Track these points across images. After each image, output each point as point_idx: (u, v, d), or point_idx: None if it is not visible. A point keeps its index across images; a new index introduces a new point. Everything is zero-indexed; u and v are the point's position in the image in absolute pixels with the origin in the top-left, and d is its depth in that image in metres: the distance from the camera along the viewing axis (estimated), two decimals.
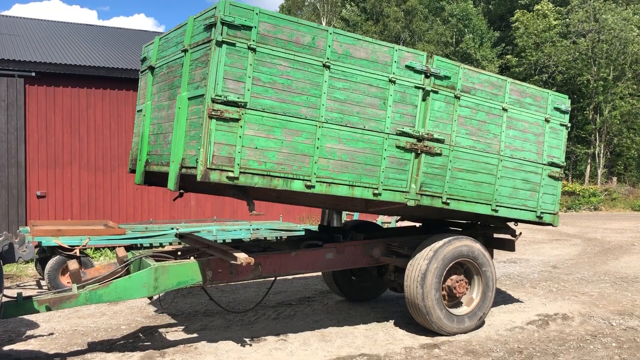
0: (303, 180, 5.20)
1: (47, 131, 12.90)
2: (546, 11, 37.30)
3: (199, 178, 4.72)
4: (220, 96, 4.73)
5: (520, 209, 6.75)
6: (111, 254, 10.83)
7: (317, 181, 5.26)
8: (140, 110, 6.38)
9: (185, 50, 5.26)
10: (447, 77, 6.01)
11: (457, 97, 6.09)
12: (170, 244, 10.05)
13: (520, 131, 6.64)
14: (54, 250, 8.51)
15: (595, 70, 35.84)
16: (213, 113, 4.70)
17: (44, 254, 8.83)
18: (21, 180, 12.55)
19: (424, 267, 6.07)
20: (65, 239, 8.64)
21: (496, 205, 6.48)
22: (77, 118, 13.17)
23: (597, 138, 36.65)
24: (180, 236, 7.19)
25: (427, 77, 5.86)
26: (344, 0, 45.51)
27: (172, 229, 10.49)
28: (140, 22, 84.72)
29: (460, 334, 6.31)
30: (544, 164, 6.88)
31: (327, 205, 6.43)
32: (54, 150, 12.94)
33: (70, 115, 13.09)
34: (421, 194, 5.89)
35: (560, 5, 38.60)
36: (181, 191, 5.75)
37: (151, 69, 6.17)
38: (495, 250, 7.68)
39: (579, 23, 35.73)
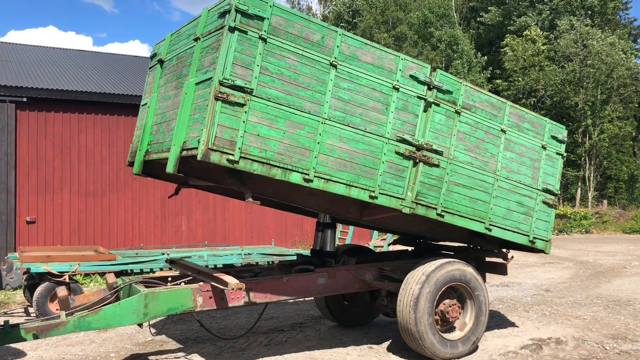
0: (302, 173, 5.20)
1: (38, 156, 12.86)
2: (534, 36, 37.87)
3: (199, 157, 4.72)
4: (228, 79, 4.79)
5: (514, 232, 6.76)
6: (101, 280, 10.71)
7: (315, 176, 5.26)
8: (145, 104, 6.40)
9: (197, 39, 5.34)
10: (449, 92, 6.10)
11: (457, 113, 6.18)
12: (161, 269, 9.97)
13: (517, 154, 6.70)
14: (43, 276, 8.40)
15: (583, 93, 36.30)
16: (219, 95, 4.76)
17: (32, 281, 8.72)
18: (11, 206, 12.46)
19: (416, 292, 6.04)
20: (55, 265, 8.55)
21: (490, 224, 6.48)
22: (68, 143, 13.15)
23: (587, 161, 36.96)
24: (171, 262, 7.13)
25: (429, 89, 5.96)
26: (334, 26, 46.06)
27: (163, 254, 10.42)
28: (135, 48, 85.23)
29: (454, 359, 6.25)
30: (539, 190, 6.91)
31: (322, 209, 6.38)
32: (44, 175, 12.88)
33: (61, 140, 13.07)
34: (416, 203, 5.90)
35: (548, 31, 39.21)
36: (180, 175, 5.65)
37: (160, 62, 6.21)
38: (487, 274, 7.66)
39: (567, 47, 36.29)
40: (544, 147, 6.94)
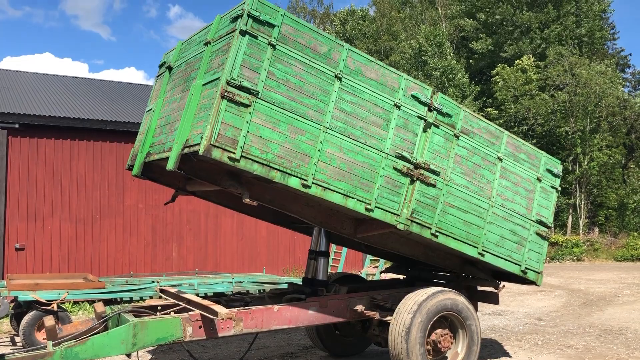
0: (300, 178, 5.25)
1: (29, 183, 12.80)
2: (525, 65, 38.44)
3: (201, 152, 4.75)
4: (235, 80, 4.89)
5: (506, 260, 6.75)
6: (90, 308, 10.58)
7: (313, 183, 5.30)
8: (150, 110, 6.47)
9: (207, 43, 5.45)
10: (448, 115, 6.22)
11: (456, 136, 6.28)
12: (151, 297, 9.86)
13: (513, 183, 6.76)
14: (31, 305, 8.29)
15: (573, 122, 36.73)
16: (226, 94, 4.84)
17: (20, 309, 8.60)
18: None
19: (408, 321, 6.00)
20: (43, 293, 8.43)
21: (483, 250, 6.48)
22: (60, 170, 13.11)
23: (578, 189, 37.20)
24: (161, 291, 7.06)
25: (430, 110, 6.07)
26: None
27: (153, 282, 10.32)
28: (130, 75, 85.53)
29: None
30: (533, 221, 6.94)
31: (317, 222, 6.36)
32: (34, 202, 12.81)
33: (52, 166, 13.04)
34: (411, 221, 5.92)
35: (539, 60, 39.81)
36: (179, 175, 5.60)
37: (169, 69, 6.30)
38: (480, 302, 7.63)
39: (557, 77, 36.83)
40: (539, 179, 7.01)
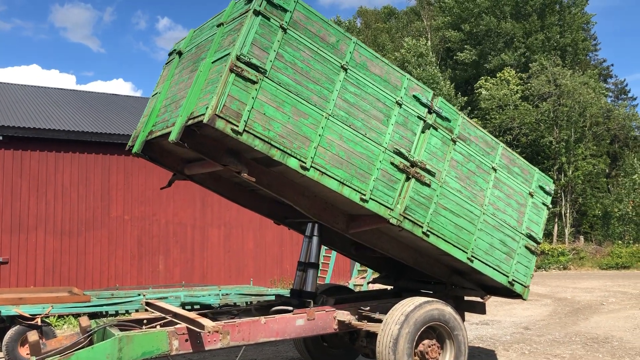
0: (299, 160, 5.32)
1: (13, 195, 12.67)
2: (508, 77, 38.85)
3: (205, 120, 4.81)
4: (245, 56, 5.00)
5: (494, 269, 6.77)
6: (75, 322, 10.46)
7: (312, 166, 5.38)
8: (157, 93, 6.51)
9: (220, 25, 5.55)
10: (447, 120, 6.33)
11: (453, 141, 6.37)
12: (137, 311, 9.78)
13: (505, 195, 6.83)
14: (14, 319, 8.18)
15: (557, 132, 37.14)
16: (235, 68, 4.94)
17: (3, 324, 8.48)
18: None
19: (395, 332, 6.00)
20: (27, 307, 8.33)
21: (472, 255, 6.50)
22: (45, 182, 13.00)
23: (563, 198, 37.55)
24: (147, 304, 7.01)
25: (430, 112, 6.19)
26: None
27: (139, 295, 10.24)
28: (118, 86, 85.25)
29: None
30: (523, 234, 6.99)
31: (310, 213, 6.33)
32: (18, 214, 12.67)
33: (37, 179, 12.93)
34: (404, 217, 5.96)
35: (522, 72, 40.26)
36: (183, 145, 5.60)
37: (179, 54, 6.38)
38: (466, 312, 7.64)
39: (541, 87, 37.27)
40: (531, 195, 7.09)
